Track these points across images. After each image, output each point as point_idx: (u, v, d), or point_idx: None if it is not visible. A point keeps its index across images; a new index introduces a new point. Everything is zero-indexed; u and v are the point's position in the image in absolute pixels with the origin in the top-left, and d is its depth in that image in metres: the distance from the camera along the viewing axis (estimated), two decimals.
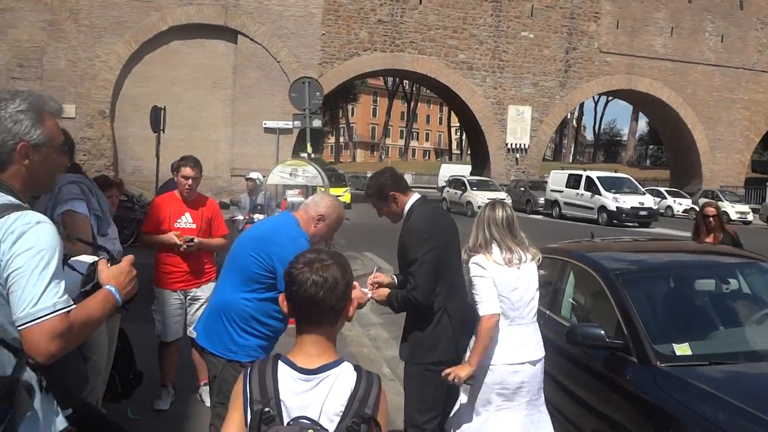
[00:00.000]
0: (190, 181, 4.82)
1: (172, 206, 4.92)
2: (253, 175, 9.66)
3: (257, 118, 28.43)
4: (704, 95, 35.81)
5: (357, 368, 1.75)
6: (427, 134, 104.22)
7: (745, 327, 4.21)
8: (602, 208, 24.99)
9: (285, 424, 1.63)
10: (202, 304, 4.79)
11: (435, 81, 33.03)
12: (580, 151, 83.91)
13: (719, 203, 30.86)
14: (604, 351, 3.78)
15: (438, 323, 3.41)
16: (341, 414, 1.65)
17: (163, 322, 4.96)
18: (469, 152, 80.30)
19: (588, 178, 26.31)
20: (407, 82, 71.86)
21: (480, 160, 35.36)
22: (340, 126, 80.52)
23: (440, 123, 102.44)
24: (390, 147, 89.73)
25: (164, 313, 4.94)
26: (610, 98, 65.83)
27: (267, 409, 1.62)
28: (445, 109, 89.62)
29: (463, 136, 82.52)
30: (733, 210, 29.69)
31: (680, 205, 32.42)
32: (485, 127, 33.25)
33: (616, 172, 33.11)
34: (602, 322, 3.92)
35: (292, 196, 8.43)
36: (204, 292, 4.89)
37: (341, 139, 68.21)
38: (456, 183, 31.38)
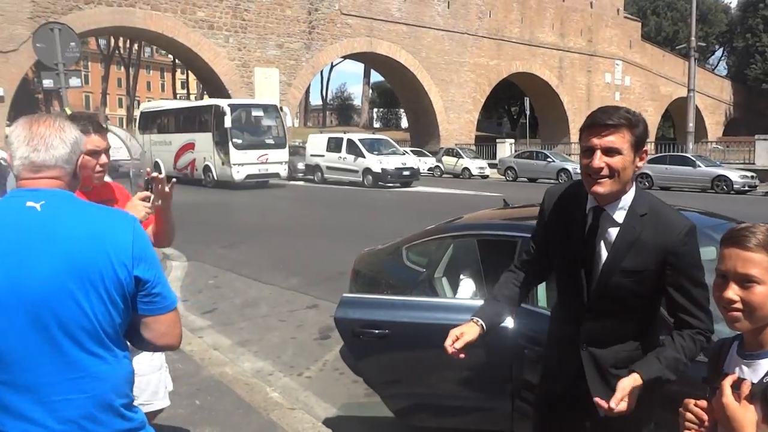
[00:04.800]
0: (103, 158, 2.55)
1: None
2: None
3: None
4: (437, 59, 37.90)
5: None
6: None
7: None
8: (367, 170, 24.87)
9: None
10: None
11: (173, 42, 29.88)
12: (308, 117, 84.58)
13: (460, 160, 32.71)
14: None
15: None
16: None
17: None
18: None
19: (350, 140, 25.95)
20: (122, 45, 64.99)
21: None
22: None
23: (163, 90, 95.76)
24: (109, 117, 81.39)
25: None
26: (336, 62, 67.01)
27: None
28: (168, 75, 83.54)
29: None
30: (474, 166, 32.02)
31: (425, 163, 33.89)
32: (233, 91, 31.18)
33: (374, 134, 33.43)
34: None
35: None
36: None
37: (52, 111, 59.71)
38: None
